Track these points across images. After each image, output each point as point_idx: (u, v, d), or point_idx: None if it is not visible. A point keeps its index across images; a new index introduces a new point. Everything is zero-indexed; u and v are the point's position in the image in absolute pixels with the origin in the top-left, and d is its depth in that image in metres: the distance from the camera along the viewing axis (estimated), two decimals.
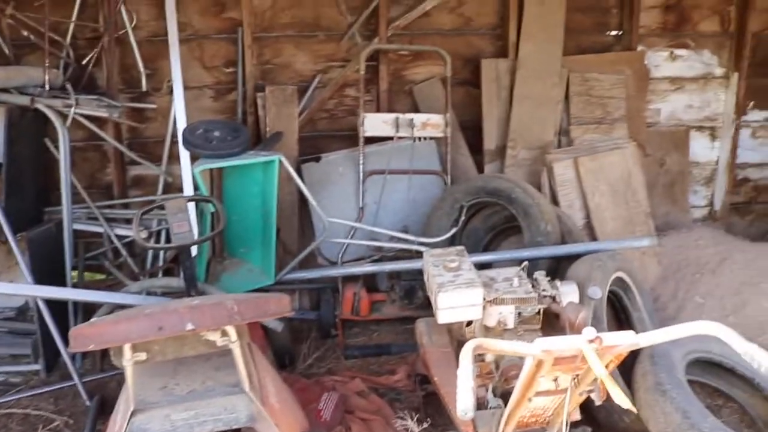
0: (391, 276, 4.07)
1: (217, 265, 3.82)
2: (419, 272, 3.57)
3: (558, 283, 2.92)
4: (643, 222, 4.33)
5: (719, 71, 5.08)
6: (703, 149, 5.22)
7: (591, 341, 1.72)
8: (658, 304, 4.08)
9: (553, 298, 2.83)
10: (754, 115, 5.25)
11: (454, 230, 3.97)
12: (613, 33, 4.84)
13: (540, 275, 2.95)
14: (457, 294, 2.60)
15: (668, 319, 3.94)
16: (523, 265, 2.93)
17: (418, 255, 3.86)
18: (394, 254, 4.16)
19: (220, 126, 3.65)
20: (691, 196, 5.27)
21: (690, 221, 5.18)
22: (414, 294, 4.00)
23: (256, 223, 3.78)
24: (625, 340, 1.76)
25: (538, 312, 2.78)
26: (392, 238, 4.13)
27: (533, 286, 2.84)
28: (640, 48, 4.82)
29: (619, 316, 3.61)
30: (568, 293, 2.89)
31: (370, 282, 4.12)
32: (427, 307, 3.56)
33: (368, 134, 4.25)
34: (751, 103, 5.19)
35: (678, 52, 4.97)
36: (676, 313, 4.00)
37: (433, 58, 4.56)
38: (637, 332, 1.81)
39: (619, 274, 3.42)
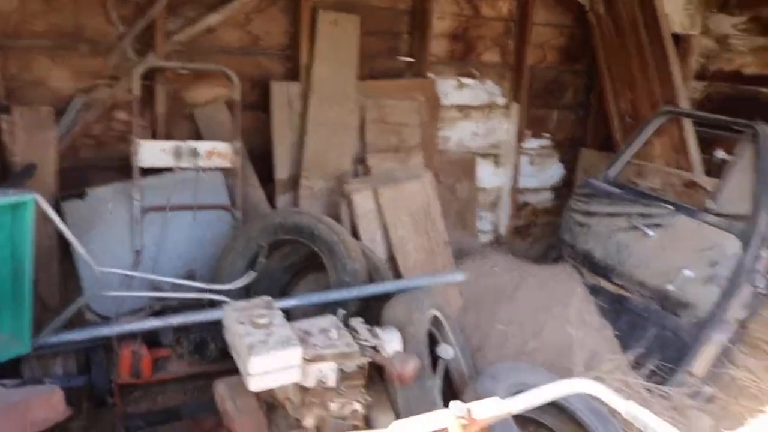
0: (177, 328, 3.51)
1: None
2: (211, 322, 3.11)
3: (378, 330, 2.66)
4: (443, 251, 4.24)
5: (501, 101, 5.24)
6: (488, 176, 5.37)
7: (460, 417, 1.45)
8: (464, 335, 3.99)
9: (375, 348, 2.55)
10: (532, 143, 5.51)
11: (253, 275, 3.53)
12: (405, 59, 4.75)
13: (358, 323, 2.67)
14: (272, 356, 2.23)
15: (475, 350, 3.89)
16: (340, 314, 2.62)
17: (210, 303, 3.39)
18: (179, 303, 3.62)
19: None
20: (477, 221, 5.36)
21: (479, 246, 5.26)
22: (206, 347, 3.48)
23: (2, 279, 3.04)
24: (495, 410, 1.52)
25: (362, 366, 2.48)
26: (176, 286, 3.58)
27: (353, 337, 2.53)
28: (430, 75, 4.79)
29: (433, 354, 3.43)
30: (391, 341, 2.63)
31: (151, 336, 3.52)
32: (223, 360, 3.15)
33: (144, 165, 3.70)
34: (529, 132, 5.43)
35: (465, 80, 5.04)
36: (480, 342, 3.96)
37: (218, 79, 4.11)
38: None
39: (433, 311, 3.24)
